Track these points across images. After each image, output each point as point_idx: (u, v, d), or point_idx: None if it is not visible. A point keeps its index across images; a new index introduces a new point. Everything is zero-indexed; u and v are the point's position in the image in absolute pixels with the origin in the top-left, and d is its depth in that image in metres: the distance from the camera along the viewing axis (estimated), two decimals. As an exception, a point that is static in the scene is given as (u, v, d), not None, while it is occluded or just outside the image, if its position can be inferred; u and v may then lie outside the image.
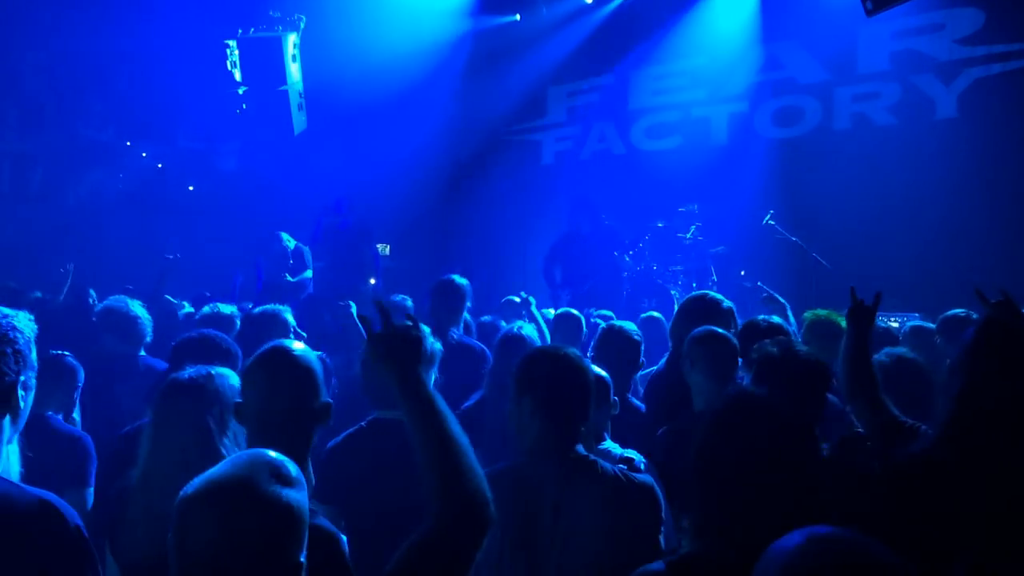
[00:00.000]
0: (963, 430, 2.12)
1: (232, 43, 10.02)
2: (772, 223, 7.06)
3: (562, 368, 2.34)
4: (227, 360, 2.96)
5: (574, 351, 2.42)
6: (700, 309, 3.60)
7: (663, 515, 2.29)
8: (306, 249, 9.20)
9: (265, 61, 9.83)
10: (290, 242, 9.15)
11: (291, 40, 9.88)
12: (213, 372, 2.28)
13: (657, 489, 2.30)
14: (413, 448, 1.70)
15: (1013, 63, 8.04)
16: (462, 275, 4.39)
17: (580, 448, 2.31)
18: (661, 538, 2.26)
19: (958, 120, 8.35)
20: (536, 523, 2.17)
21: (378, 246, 11.59)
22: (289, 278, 8.73)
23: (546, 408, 2.30)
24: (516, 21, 11.37)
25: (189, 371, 2.29)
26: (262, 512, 1.38)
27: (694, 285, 8.41)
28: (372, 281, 9.35)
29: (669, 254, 8.62)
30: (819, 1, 9.07)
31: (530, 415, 2.31)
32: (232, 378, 2.29)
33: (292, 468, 1.47)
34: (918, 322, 5.22)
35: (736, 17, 9.78)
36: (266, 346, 2.11)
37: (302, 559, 1.43)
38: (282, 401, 1.99)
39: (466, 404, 3.41)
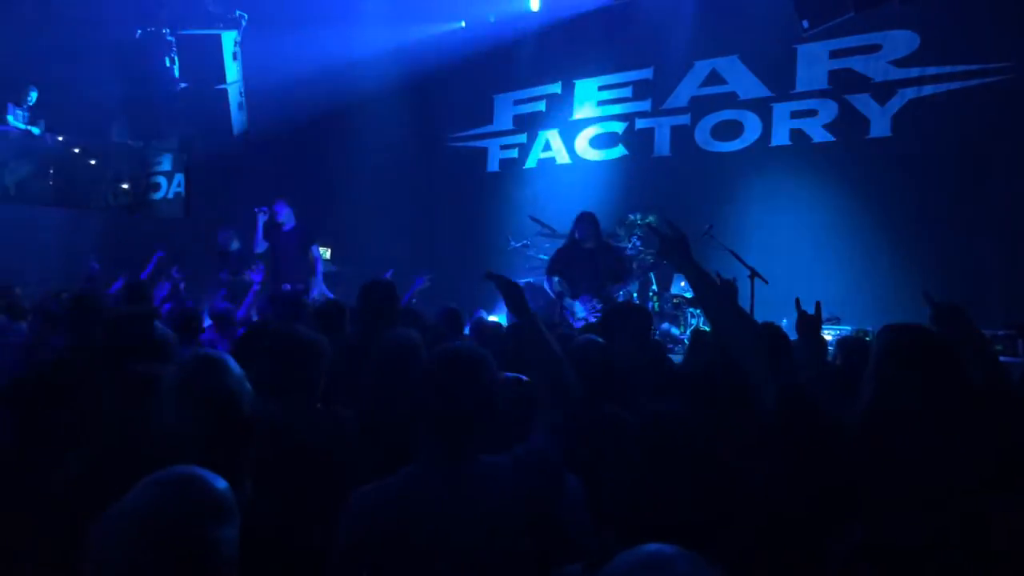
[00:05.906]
0: (877, 421, 2.28)
1: (171, 39, 9.80)
2: (711, 235, 7.11)
3: (451, 370, 2.12)
4: None
5: (474, 351, 2.20)
6: None
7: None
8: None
9: (204, 58, 9.61)
10: (231, 242, 8.96)
11: (231, 38, 9.68)
12: None
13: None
14: None
15: (945, 85, 8.30)
16: (394, 278, 4.27)
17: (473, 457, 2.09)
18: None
19: (891, 139, 8.59)
20: (419, 543, 1.94)
21: (319, 249, 11.43)
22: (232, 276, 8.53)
23: (433, 415, 2.10)
24: (462, 28, 11.34)
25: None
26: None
27: (634, 295, 8.45)
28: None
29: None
30: (760, 19, 9.25)
31: (419, 422, 2.14)
32: None
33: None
34: None
35: (678, 32, 9.92)
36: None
37: None
38: None
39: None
